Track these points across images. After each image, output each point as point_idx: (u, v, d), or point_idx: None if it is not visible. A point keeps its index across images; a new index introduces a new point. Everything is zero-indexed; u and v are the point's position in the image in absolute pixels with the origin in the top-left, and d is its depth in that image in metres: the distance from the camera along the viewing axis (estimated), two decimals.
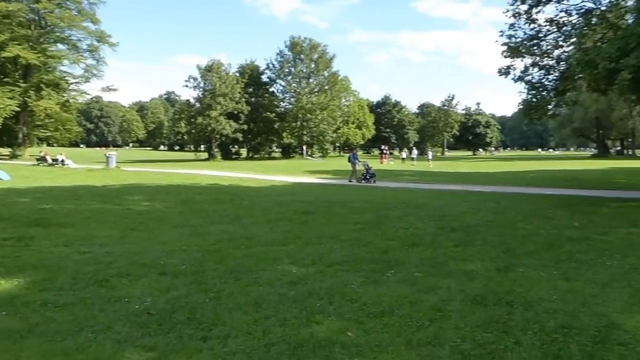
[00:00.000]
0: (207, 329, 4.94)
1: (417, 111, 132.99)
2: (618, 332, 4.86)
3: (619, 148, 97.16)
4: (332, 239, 9.72)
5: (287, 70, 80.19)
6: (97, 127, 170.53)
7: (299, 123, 77.37)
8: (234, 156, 75.93)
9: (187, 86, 72.01)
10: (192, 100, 73.54)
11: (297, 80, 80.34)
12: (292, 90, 79.91)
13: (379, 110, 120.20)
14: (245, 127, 71.49)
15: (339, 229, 11.03)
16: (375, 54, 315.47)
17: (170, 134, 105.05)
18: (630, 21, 17.76)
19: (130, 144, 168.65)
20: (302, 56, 79.43)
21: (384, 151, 67.48)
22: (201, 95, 70.01)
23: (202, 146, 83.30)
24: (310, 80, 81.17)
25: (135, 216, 13.08)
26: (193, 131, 71.46)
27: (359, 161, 28.43)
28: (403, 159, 63.25)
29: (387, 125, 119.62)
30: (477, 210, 14.11)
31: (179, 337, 4.74)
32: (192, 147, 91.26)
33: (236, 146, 79.00)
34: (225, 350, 4.44)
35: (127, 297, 5.92)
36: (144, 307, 5.58)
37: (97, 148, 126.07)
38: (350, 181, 27.09)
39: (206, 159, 68.47)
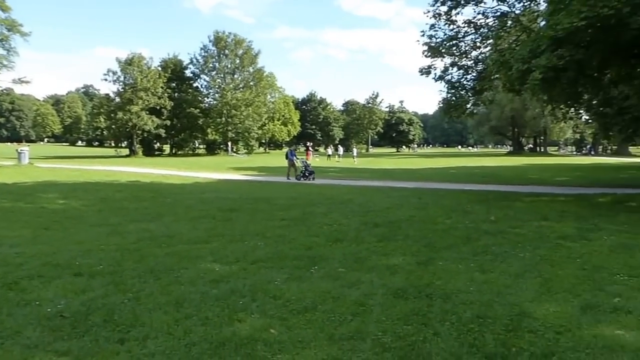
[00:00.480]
0: (125, 330, 4.78)
1: (342, 108, 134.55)
2: (529, 320, 5.12)
3: (532, 145, 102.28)
4: (257, 236, 9.67)
5: (211, 65, 78.95)
6: (8, 122, 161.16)
7: (223, 119, 76.37)
8: (156, 152, 73.85)
9: (106, 80, 69.25)
10: (111, 95, 70.86)
11: (222, 75, 79.28)
12: (217, 86, 78.75)
13: (304, 107, 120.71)
14: (168, 122, 69.65)
15: (263, 226, 10.98)
16: (301, 50, 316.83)
17: (89, 129, 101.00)
18: (541, 24, 18.70)
19: (45, 140, 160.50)
20: (226, 51, 78.43)
21: (309, 148, 67.72)
22: (121, 90, 67.57)
23: (123, 142, 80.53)
24: (235, 76, 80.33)
25: (49, 215, 12.48)
26: (113, 126, 68.83)
27: (297, 158, 27.97)
28: (329, 155, 63.80)
29: (313, 122, 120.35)
30: (399, 206, 14.44)
31: (94, 340, 4.55)
32: (112, 143, 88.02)
33: (159, 142, 76.89)
34: (143, 352, 4.32)
35: (38, 300, 5.64)
36: (57, 310, 5.32)
37: (9, 143, 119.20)
38: (288, 179, 26.55)
39: (127, 156, 66.31)
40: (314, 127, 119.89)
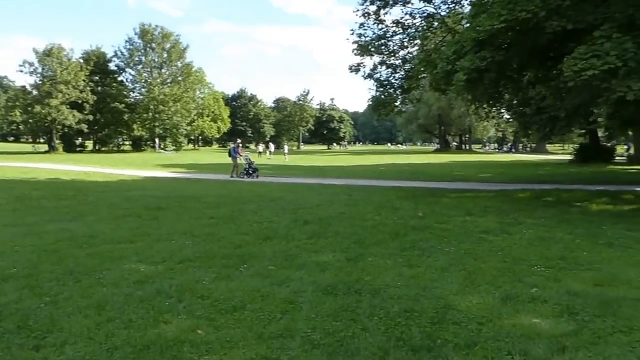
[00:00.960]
0: (41, 336, 4.57)
1: (273, 105, 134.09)
2: (453, 312, 5.29)
3: (457, 143, 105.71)
4: (184, 235, 9.49)
5: (137, 59, 76.56)
6: None
7: (150, 115, 74.32)
8: (78, 149, 70.91)
9: (22, 71, 65.77)
10: (28, 87, 67.34)
11: (149, 70, 77.11)
12: (143, 80, 76.47)
13: (234, 103, 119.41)
14: (90, 117, 67.03)
15: (191, 224, 10.79)
16: (231, 46, 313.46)
17: (3, 124, 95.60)
18: (465, 26, 19.34)
19: None
20: (153, 45, 76.32)
21: (239, 145, 67.02)
22: (39, 82, 64.29)
23: (42, 138, 76.74)
24: (163, 70, 78.34)
25: None
26: (30, 121, 65.38)
27: (241, 155, 27.25)
28: (259, 152, 63.46)
29: (243, 118, 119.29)
30: (330, 203, 14.56)
31: (6, 347, 4.33)
32: (29, 138, 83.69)
33: (81, 138, 73.82)
34: (61, 359, 4.15)
35: None
36: None
37: None
38: (231, 177, 25.81)
39: (46, 152, 63.20)
40: (244, 123, 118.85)
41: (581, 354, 4.29)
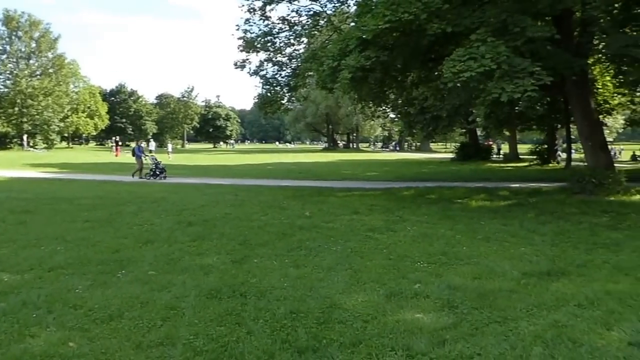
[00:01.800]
0: None
1: (155, 101, 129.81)
2: (339, 312, 5.41)
3: (345, 142, 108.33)
4: (56, 240, 8.94)
5: (1, 48, 71.10)
6: None
7: (17, 109, 69.22)
8: None
9: None
10: None
11: (15, 60, 71.84)
12: (8, 72, 71.15)
13: (113, 99, 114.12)
14: None
15: (64, 228, 10.19)
16: (109, 38, 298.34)
17: None
18: (351, 25, 19.85)
19: None
20: (19, 33, 71.22)
21: (118, 143, 64.23)
22: None
23: None
24: (31, 61, 73.34)
25: None
26: None
27: (146, 155, 25.75)
28: None
29: (123, 115, 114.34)
30: (215, 203, 14.35)
31: None
32: None
33: None
34: None
35: None
36: None
37: None
38: (140, 178, 24.20)
39: None
40: (124, 120, 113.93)
41: (460, 346, 4.54)
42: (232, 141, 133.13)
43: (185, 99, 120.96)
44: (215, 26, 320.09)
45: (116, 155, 53.61)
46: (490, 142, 53.37)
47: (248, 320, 5.11)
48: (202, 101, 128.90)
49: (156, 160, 24.99)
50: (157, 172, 24.19)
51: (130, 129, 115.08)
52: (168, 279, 6.56)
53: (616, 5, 16.37)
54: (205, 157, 58.41)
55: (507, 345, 4.57)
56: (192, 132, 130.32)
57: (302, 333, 4.79)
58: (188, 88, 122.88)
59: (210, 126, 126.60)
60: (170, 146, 62.22)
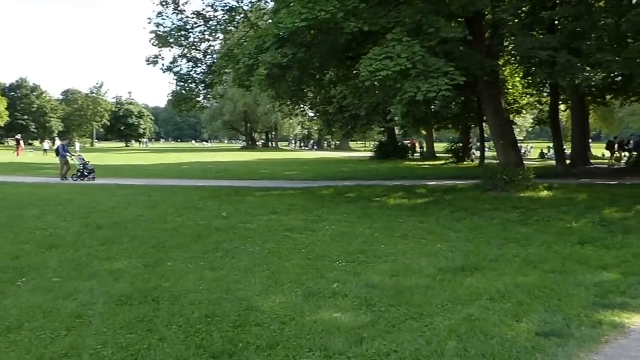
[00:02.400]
0: None
1: (61, 97, 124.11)
2: (256, 314, 5.37)
3: (264, 140, 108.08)
4: None
5: None
6: None
7: None
8: None
9: None
10: None
11: None
12: None
13: (13, 94, 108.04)
14: None
15: None
16: (5, 27, 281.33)
17: None
18: (268, 22, 19.81)
19: None
20: None
21: (20, 142, 60.87)
22: None
23: None
24: None
25: None
26: None
27: (72, 154, 24.18)
28: (45, 150, 58.15)
29: (25, 111, 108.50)
30: (127, 205, 13.91)
31: None
32: None
33: None
34: None
35: None
36: None
37: None
38: (62, 179, 22.61)
39: None
40: (26, 117, 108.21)
41: (377, 344, 4.62)
42: (145, 140, 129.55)
43: (94, 94, 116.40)
44: (126, 20, 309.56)
45: (17, 155, 50.79)
46: (414, 141, 54.87)
47: (160, 326, 4.98)
48: (113, 97, 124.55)
49: (83, 160, 23.62)
50: (86, 173, 22.85)
51: (33, 127, 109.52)
52: (74, 286, 6.29)
53: (524, 8, 17.30)
54: (116, 156, 56.46)
55: (422, 340, 4.70)
56: (102, 130, 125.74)
57: (217, 337, 4.73)
58: (97, 83, 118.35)
59: (121, 124, 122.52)
60: (77, 145, 59.67)
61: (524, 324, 5.11)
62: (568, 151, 31.16)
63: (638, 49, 15.33)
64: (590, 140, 41.52)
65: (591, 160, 32.28)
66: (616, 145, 33.61)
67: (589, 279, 6.61)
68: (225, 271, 7.11)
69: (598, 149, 45.31)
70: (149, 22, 23.43)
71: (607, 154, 38.71)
